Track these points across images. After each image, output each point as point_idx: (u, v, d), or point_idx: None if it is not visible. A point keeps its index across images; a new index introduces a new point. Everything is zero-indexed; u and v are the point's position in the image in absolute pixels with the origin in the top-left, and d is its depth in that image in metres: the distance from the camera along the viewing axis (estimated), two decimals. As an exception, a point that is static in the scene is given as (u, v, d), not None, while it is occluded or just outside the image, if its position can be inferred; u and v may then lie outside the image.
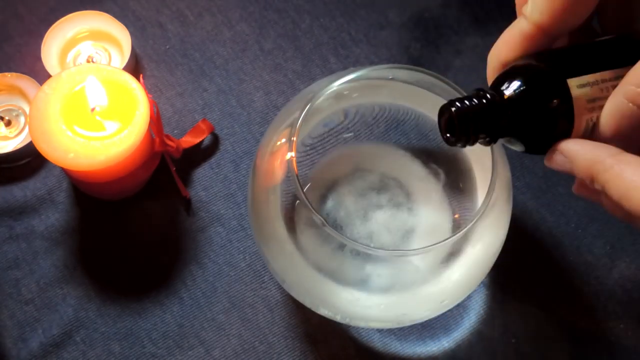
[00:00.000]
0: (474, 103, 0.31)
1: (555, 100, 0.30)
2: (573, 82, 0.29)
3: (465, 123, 0.31)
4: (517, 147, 0.32)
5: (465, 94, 0.37)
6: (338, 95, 0.42)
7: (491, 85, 0.32)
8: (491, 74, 0.33)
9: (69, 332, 0.45)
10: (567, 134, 0.30)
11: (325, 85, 0.38)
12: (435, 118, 0.43)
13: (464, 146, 0.32)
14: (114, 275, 0.47)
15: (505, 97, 0.30)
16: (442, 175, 0.44)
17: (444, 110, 0.32)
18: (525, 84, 0.30)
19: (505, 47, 0.32)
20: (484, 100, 0.31)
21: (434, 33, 0.54)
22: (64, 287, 0.46)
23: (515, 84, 0.30)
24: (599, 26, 0.34)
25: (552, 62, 0.31)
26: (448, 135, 0.32)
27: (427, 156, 0.45)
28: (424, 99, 0.42)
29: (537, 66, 0.31)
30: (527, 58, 0.31)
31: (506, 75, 0.31)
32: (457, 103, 0.31)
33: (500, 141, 0.32)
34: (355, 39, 0.54)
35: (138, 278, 0.47)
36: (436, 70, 0.52)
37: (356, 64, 0.53)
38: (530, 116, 0.30)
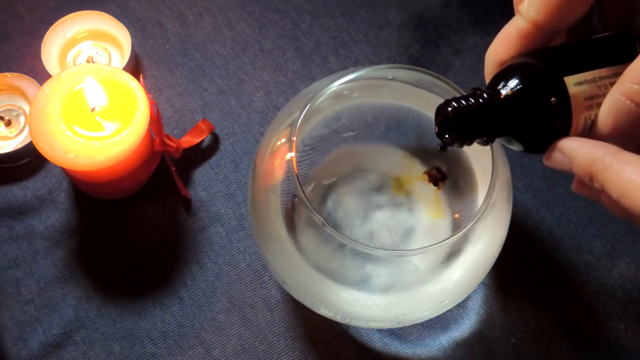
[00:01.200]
0: (470, 102, 0.31)
1: (552, 99, 0.30)
2: (570, 80, 0.29)
3: (462, 123, 0.31)
4: (516, 147, 0.32)
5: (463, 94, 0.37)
6: (338, 95, 0.42)
7: (488, 84, 0.32)
8: (489, 73, 0.33)
9: (69, 332, 0.45)
10: (565, 133, 0.30)
11: (325, 85, 0.38)
12: (435, 118, 0.43)
13: (461, 146, 0.32)
14: (114, 275, 0.47)
15: (502, 96, 0.30)
16: (442, 175, 0.44)
17: (440, 110, 0.32)
18: (522, 82, 0.30)
19: (502, 45, 0.32)
20: (481, 100, 0.31)
21: (434, 33, 0.54)
22: (64, 287, 0.46)
23: (512, 83, 0.30)
24: (599, 22, 0.34)
25: (548, 60, 0.31)
26: (445, 135, 0.32)
27: (427, 156, 0.45)
28: (424, 99, 0.42)
29: (533, 64, 0.31)
30: (524, 56, 0.31)
31: (503, 74, 0.31)
32: (454, 103, 0.31)
33: (499, 141, 0.32)
34: (355, 39, 0.54)
35: (138, 278, 0.47)
36: (436, 70, 0.53)
37: (356, 64, 0.53)
38: (528, 115, 0.30)
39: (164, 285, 0.47)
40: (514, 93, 0.30)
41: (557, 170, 0.30)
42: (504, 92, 0.30)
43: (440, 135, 0.32)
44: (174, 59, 0.53)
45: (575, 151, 0.29)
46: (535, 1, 0.31)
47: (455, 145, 0.32)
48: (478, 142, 0.32)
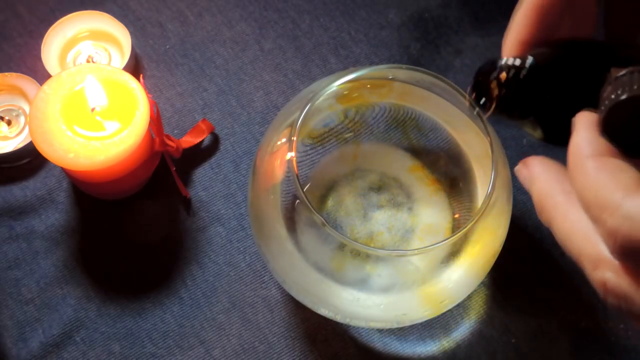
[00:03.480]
0: (517, 66, 0.29)
1: (594, 85, 0.28)
2: (614, 72, 0.28)
3: (507, 87, 0.29)
4: (537, 135, 0.31)
5: (465, 94, 0.37)
6: (338, 95, 0.42)
7: (535, 58, 0.30)
8: (509, 51, 0.31)
9: (69, 332, 0.45)
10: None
11: (325, 85, 0.38)
12: (435, 118, 0.43)
13: (490, 113, 0.30)
14: (114, 275, 0.47)
15: (546, 69, 0.29)
16: (442, 175, 0.44)
17: (486, 70, 0.30)
18: (572, 62, 0.29)
19: (523, 23, 0.31)
20: (527, 67, 0.29)
21: (434, 33, 0.54)
22: (64, 287, 0.46)
23: (561, 61, 0.29)
24: (604, 28, 0.33)
25: (596, 49, 0.29)
26: (482, 100, 0.30)
27: (426, 156, 0.45)
28: (424, 99, 0.42)
29: (584, 48, 0.29)
30: (568, 44, 0.30)
31: (551, 52, 0.29)
32: (504, 63, 0.29)
33: (526, 122, 0.31)
34: (355, 39, 0.54)
35: (138, 278, 0.47)
36: (436, 70, 0.53)
37: (356, 64, 0.53)
38: (569, 93, 0.29)
39: (164, 285, 0.47)
40: (560, 70, 0.29)
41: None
42: (551, 69, 0.29)
43: (475, 96, 0.31)
44: (174, 59, 0.53)
45: (536, 177, 0.29)
46: None
47: (485, 112, 0.30)
48: (505, 115, 0.30)
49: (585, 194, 0.25)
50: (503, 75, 0.29)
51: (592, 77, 0.29)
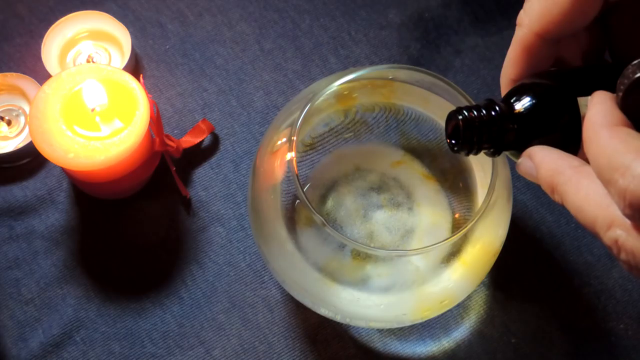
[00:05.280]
0: (482, 113, 0.31)
1: (564, 118, 0.29)
2: (583, 101, 0.29)
3: (470, 132, 0.31)
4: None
5: (465, 94, 0.37)
6: (338, 95, 0.42)
7: (502, 99, 0.32)
8: (504, 93, 0.33)
9: (69, 332, 0.45)
10: (574, 152, 0.30)
11: (325, 85, 0.38)
12: (435, 118, 0.43)
13: (467, 155, 0.32)
14: (114, 275, 0.47)
15: (515, 110, 0.30)
16: (442, 175, 0.45)
17: (451, 117, 0.32)
18: (536, 98, 0.30)
19: (511, 62, 0.32)
20: (493, 112, 0.30)
21: (434, 33, 0.54)
22: (64, 287, 0.46)
23: (526, 98, 0.30)
24: (609, 53, 0.34)
25: (563, 80, 0.30)
26: (453, 142, 0.32)
27: (427, 156, 0.45)
28: (423, 99, 0.42)
29: (548, 83, 0.30)
30: (539, 76, 0.31)
31: (517, 90, 0.31)
32: (465, 111, 0.31)
33: (504, 154, 0.32)
34: (355, 39, 0.54)
35: (138, 278, 0.47)
36: (436, 70, 0.53)
37: (356, 64, 0.53)
38: (538, 132, 0.30)
39: (164, 285, 0.47)
40: (527, 108, 0.30)
41: (527, 179, 0.30)
42: (516, 106, 0.30)
43: (449, 140, 0.32)
44: (174, 59, 0.53)
45: (541, 160, 0.29)
46: (532, 11, 0.31)
47: (462, 153, 0.32)
48: (484, 153, 0.32)
49: (598, 158, 0.26)
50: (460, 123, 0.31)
51: (554, 106, 0.30)
